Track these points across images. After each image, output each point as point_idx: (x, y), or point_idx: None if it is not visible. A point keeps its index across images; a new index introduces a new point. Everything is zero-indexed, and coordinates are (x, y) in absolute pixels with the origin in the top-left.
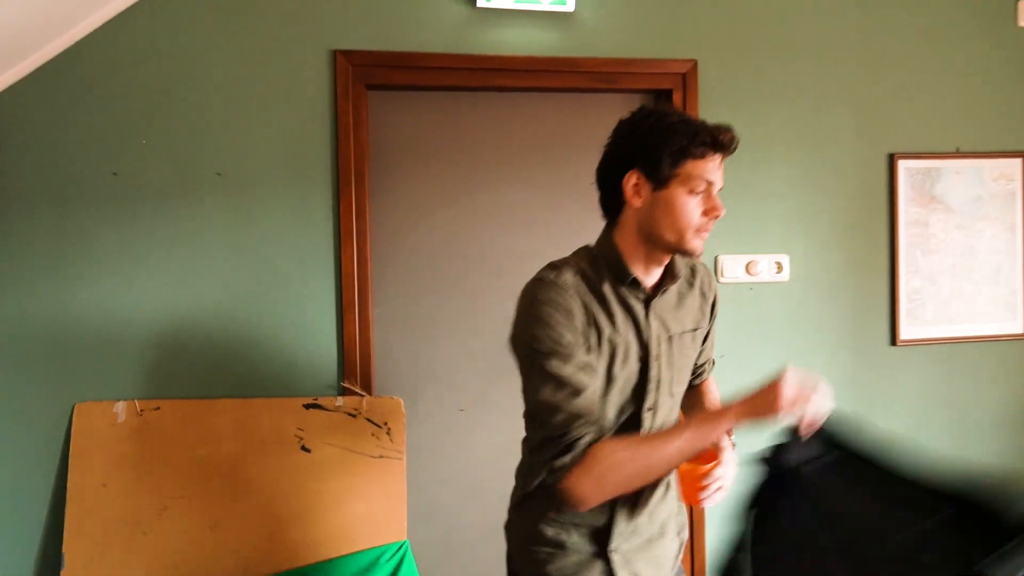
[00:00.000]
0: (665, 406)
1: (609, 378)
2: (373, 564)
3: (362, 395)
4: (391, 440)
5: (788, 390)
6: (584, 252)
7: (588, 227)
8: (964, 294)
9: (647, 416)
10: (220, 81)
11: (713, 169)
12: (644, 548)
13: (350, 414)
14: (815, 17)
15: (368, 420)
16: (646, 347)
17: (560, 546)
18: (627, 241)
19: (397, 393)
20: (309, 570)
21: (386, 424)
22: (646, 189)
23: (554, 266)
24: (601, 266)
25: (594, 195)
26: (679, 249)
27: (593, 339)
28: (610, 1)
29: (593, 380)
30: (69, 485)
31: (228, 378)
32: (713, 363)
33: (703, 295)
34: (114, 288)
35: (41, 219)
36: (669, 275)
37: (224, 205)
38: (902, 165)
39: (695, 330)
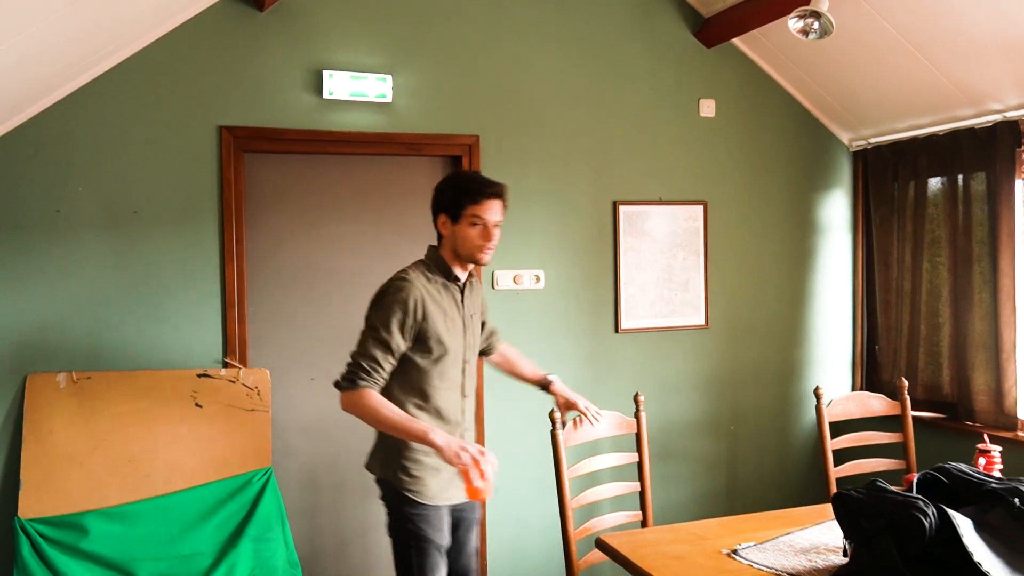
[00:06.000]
0: (472, 361)
1: (443, 342)
2: (247, 483)
3: (239, 367)
4: (260, 399)
5: (465, 456)
6: (424, 261)
7: (402, 251)
8: (664, 298)
9: (467, 368)
10: (139, 144)
11: (487, 210)
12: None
13: (231, 381)
14: (562, 107)
15: (244, 385)
16: (463, 320)
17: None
18: (447, 254)
19: (265, 366)
20: (200, 488)
21: (256, 388)
22: (449, 224)
23: (406, 271)
24: (435, 269)
25: (406, 227)
26: (472, 261)
27: (426, 312)
28: (417, 95)
29: (397, 350)
30: (24, 431)
31: (142, 356)
32: (498, 332)
33: (479, 292)
34: (56, 292)
35: (2, 242)
36: (471, 276)
37: (140, 234)
38: (622, 209)
39: (480, 313)
